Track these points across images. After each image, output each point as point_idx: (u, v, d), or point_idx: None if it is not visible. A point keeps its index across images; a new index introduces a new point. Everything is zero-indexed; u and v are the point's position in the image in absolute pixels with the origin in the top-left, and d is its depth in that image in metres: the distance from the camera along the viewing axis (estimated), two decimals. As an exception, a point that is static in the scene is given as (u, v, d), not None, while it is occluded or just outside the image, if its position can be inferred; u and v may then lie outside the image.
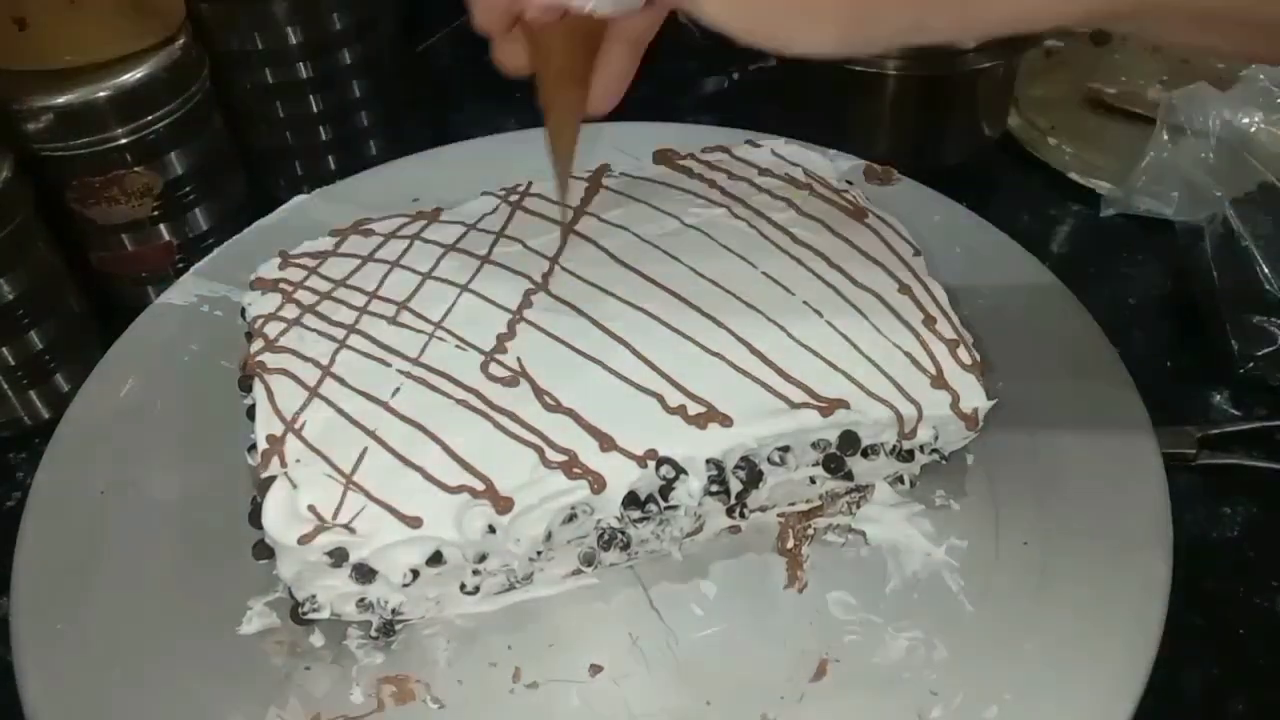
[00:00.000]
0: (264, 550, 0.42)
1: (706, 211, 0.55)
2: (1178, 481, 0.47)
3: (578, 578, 0.46)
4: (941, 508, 0.48)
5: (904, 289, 0.50)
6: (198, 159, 0.63)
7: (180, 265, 0.64)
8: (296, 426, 0.44)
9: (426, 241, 0.54)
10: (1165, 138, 0.68)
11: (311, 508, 0.41)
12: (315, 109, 0.72)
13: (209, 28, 0.66)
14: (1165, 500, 0.46)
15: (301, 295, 0.51)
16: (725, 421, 0.44)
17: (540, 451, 0.43)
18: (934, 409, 0.45)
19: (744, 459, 0.44)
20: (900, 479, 0.48)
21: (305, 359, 0.47)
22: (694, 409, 0.44)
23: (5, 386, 0.58)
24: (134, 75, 0.58)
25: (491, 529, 0.41)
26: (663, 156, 0.60)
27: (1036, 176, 0.76)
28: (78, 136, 0.58)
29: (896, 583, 0.45)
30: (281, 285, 0.51)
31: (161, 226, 0.63)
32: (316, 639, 0.44)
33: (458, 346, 0.48)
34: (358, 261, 0.53)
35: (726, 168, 0.58)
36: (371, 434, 0.44)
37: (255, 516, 0.42)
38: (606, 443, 0.43)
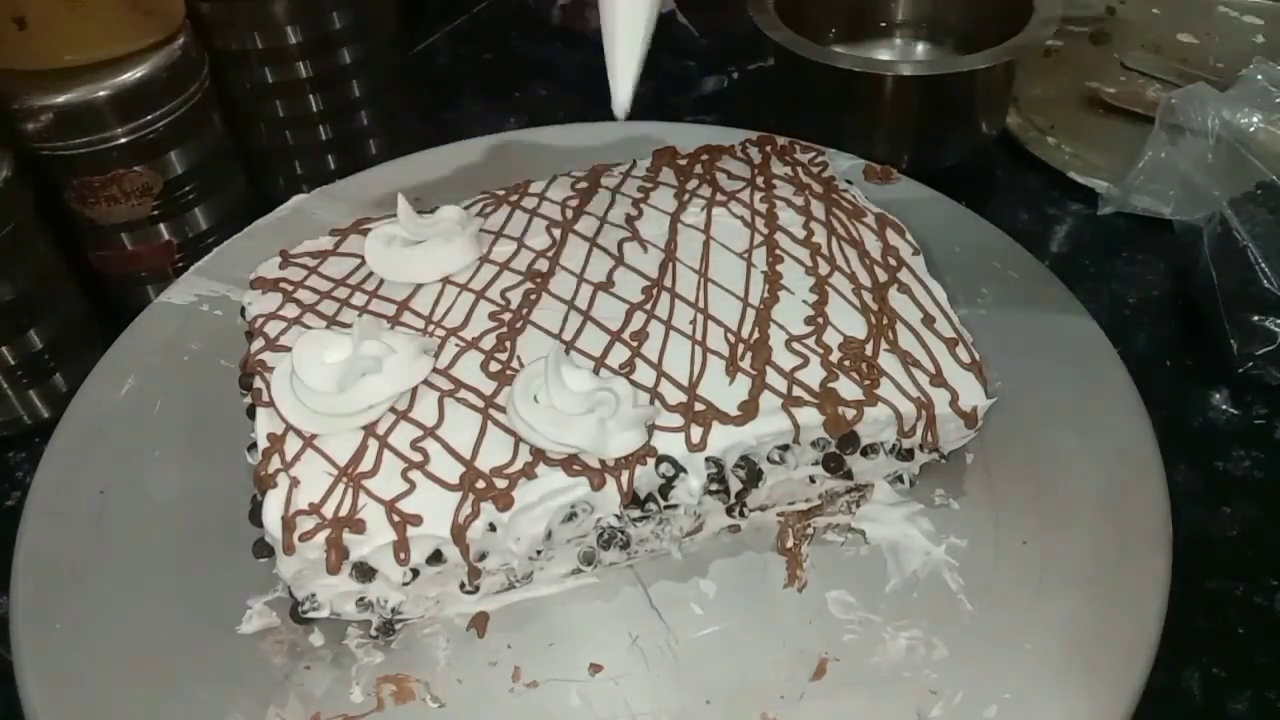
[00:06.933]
0: (264, 549, 0.42)
1: (705, 211, 0.55)
2: (1178, 481, 0.47)
3: (578, 577, 0.46)
4: (941, 507, 0.48)
5: (904, 289, 0.50)
6: (197, 158, 0.63)
7: (180, 264, 0.64)
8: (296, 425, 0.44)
9: (426, 241, 0.53)
10: (1164, 137, 0.68)
11: (312, 506, 0.41)
12: (315, 109, 0.72)
13: (209, 28, 0.66)
14: (1165, 500, 0.46)
15: (302, 294, 0.51)
16: (725, 420, 0.44)
17: (540, 450, 0.43)
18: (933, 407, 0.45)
19: (744, 458, 0.44)
20: (900, 478, 0.48)
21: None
22: (694, 407, 0.44)
23: (5, 386, 0.58)
24: (134, 75, 0.58)
25: (492, 527, 0.41)
26: (662, 156, 0.60)
27: (1036, 176, 0.76)
28: (77, 136, 0.58)
29: (896, 582, 0.45)
30: (282, 284, 0.51)
31: (161, 226, 0.63)
32: (316, 638, 0.44)
33: (458, 345, 0.48)
34: (358, 261, 0.53)
35: (726, 167, 0.58)
36: (371, 433, 0.44)
37: (255, 515, 0.42)
38: (606, 442, 0.43)
